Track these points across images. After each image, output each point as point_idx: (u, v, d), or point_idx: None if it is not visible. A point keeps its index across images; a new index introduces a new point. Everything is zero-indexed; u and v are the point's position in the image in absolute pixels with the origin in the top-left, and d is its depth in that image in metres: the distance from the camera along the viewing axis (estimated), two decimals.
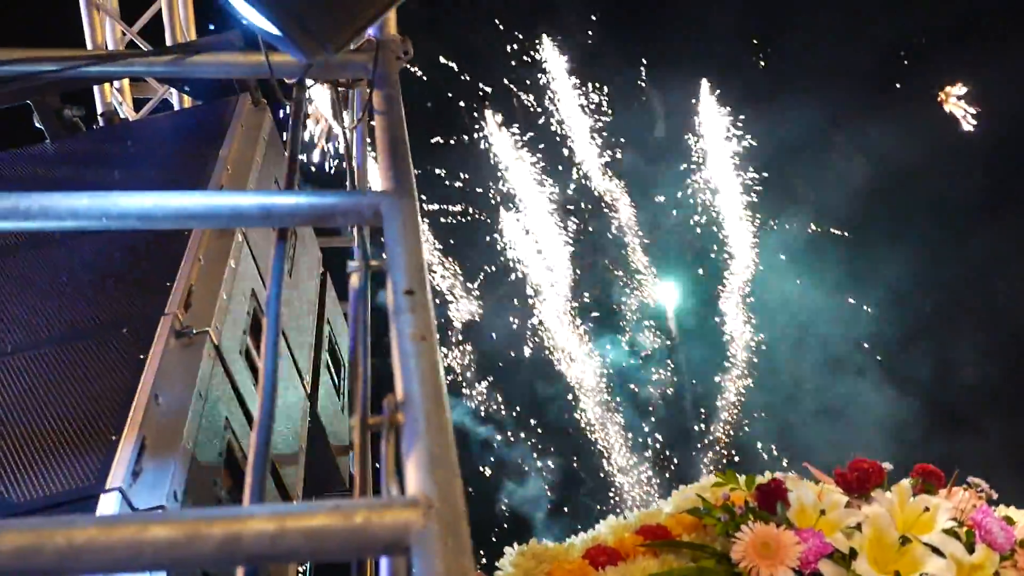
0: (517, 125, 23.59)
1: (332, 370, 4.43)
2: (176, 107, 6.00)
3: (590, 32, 24.02)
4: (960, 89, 22.37)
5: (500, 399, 22.98)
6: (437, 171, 22.66)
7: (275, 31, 1.94)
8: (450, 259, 22.93)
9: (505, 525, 22.02)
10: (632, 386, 23.91)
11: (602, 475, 23.37)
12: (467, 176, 23.15)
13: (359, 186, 3.27)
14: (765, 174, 23.97)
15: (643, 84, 24.28)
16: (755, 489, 2.74)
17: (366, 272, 1.70)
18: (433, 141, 22.48)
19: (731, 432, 23.81)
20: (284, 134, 4.40)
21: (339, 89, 2.91)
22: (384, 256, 1.74)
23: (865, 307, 22.82)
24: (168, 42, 5.87)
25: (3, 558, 1.06)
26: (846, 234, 23.22)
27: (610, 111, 24.03)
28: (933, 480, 2.78)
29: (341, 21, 1.99)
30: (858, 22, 22.74)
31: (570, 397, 23.38)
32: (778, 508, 2.62)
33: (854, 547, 2.48)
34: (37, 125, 4.38)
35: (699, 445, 23.82)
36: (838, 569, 2.43)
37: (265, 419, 1.40)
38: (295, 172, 2.15)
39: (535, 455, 22.93)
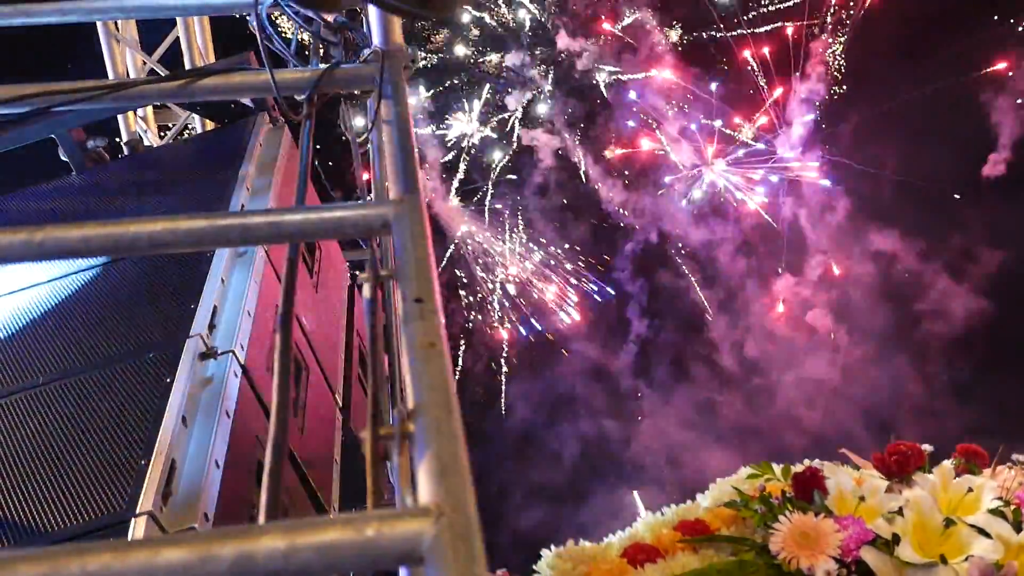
0: None
1: (364, 381, 4.45)
2: (199, 131, 6.07)
3: None
4: None
5: None
6: None
7: None
8: None
9: None
10: None
11: None
12: None
13: (377, 196, 3.28)
14: None
15: None
16: (791, 478, 2.69)
17: (376, 282, 1.70)
18: None
19: None
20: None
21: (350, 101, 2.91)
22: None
23: None
24: (188, 68, 5.95)
25: None
26: None
27: None
28: (976, 459, 2.71)
29: None
30: None
31: None
32: (816, 496, 2.57)
33: (897, 532, 2.42)
34: (62, 158, 4.46)
35: None
36: (881, 556, 2.37)
37: (278, 437, 1.40)
38: (305, 187, 2.16)
39: None
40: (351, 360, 4.14)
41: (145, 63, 6.04)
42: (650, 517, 2.93)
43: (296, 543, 1.11)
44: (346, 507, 3.49)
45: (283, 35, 2.85)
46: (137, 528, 1.97)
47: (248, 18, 2.98)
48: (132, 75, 6.08)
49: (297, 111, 2.65)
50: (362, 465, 4.22)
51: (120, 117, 5.96)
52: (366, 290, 1.81)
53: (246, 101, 4.29)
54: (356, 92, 2.84)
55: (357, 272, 1.67)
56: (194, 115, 5.91)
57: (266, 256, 3.29)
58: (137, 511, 2.02)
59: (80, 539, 2.02)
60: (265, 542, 1.11)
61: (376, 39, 2.75)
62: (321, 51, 3.04)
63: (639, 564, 2.70)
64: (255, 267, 3.16)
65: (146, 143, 5.89)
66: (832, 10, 22.41)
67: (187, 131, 6.55)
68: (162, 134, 6.35)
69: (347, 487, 3.53)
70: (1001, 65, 21.09)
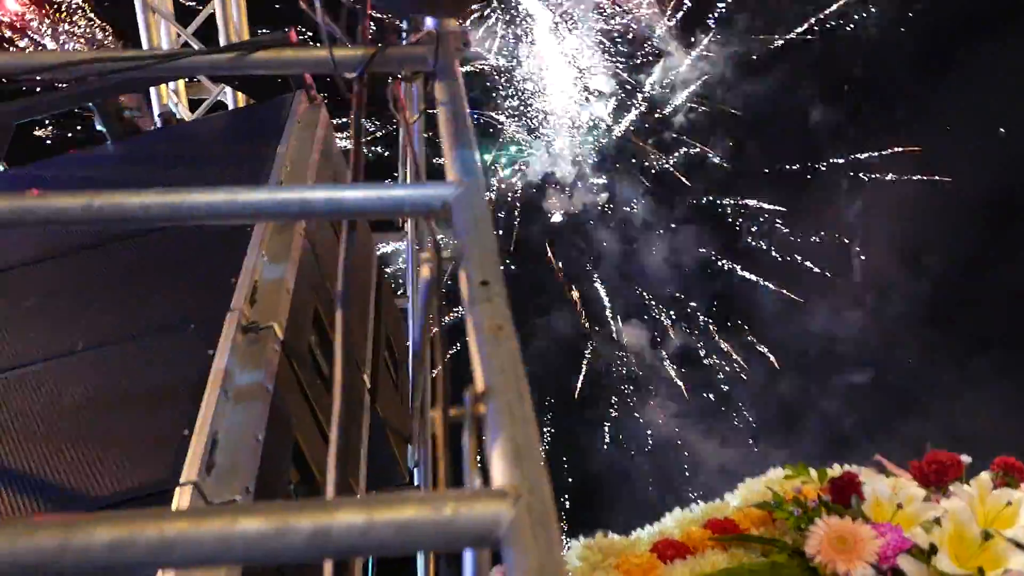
0: None
1: (389, 364, 4.44)
2: (231, 106, 6.07)
3: None
4: None
5: None
6: None
7: None
8: None
9: None
10: None
11: None
12: None
13: (418, 178, 3.27)
14: None
15: None
16: (828, 482, 2.67)
17: (439, 263, 1.68)
18: None
19: None
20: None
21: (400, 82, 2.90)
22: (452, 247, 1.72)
23: None
24: (222, 43, 5.94)
25: (97, 550, 1.06)
26: None
27: None
28: (1014, 473, 2.69)
29: None
30: None
31: None
32: (852, 502, 2.55)
33: (934, 542, 2.40)
34: (99, 127, 4.46)
35: None
36: (918, 565, 2.35)
37: (345, 408, 1.39)
38: (361, 164, 2.14)
39: None
40: (379, 341, 4.13)
41: (180, 35, 6.03)
42: (679, 513, 2.92)
43: (374, 519, 1.09)
44: (369, 489, 3.49)
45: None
46: (182, 498, 1.97)
47: None
48: (166, 47, 6.08)
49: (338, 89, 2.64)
50: (385, 448, 4.20)
51: (152, 90, 5.97)
52: (426, 271, 1.80)
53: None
54: (406, 72, 2.83)
55: (420, 252, 1.66)
56: (227, 89, 5.91)
57: (304, 231, 3.28)
58: (181, 481, 2.02)
59: (122, 507, 2.02)
60: (343, 516, 1.10)
61: (429, 20, 2.74)
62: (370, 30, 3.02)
63: (668, 560, 2.69)
64: (293, 242, 3.15)
65: (178, 116, 5.89)
66: None
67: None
68: (193, 108, 6.35)
69: (370, 469, 3.53)
70: None
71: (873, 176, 23.04)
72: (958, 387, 20.45)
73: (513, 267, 23.60)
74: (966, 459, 2.68)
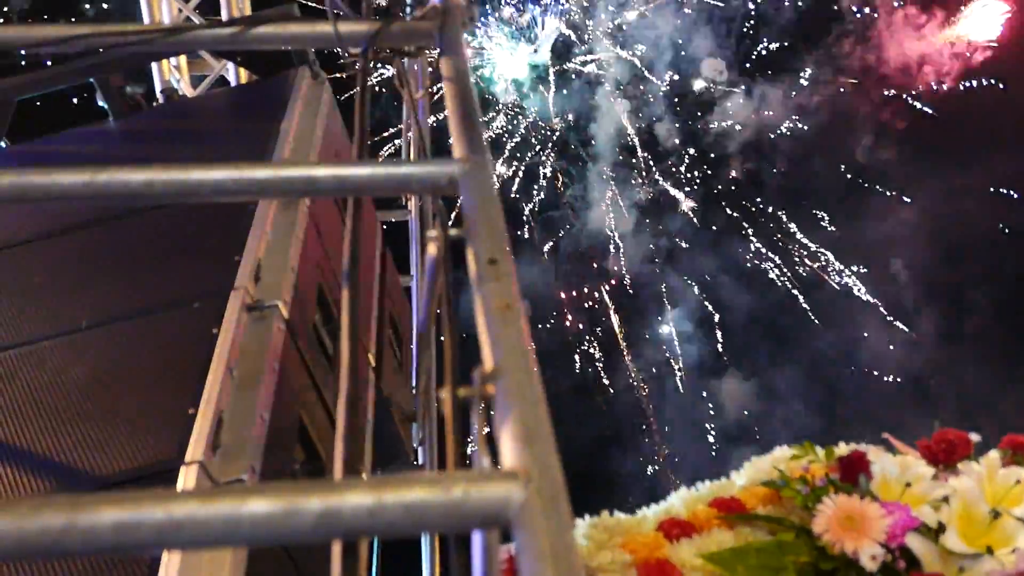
0: None
1: (393, 342, 4.43)
2: (233, 83, 6.02)
3: None
4: None
5: None
6: None
7: None
8: None
9: None
10: None
11: None
12: None
13: (422, 155, 3.24)
14: None
15: None
16: (835, 461, 2.66)
17: (446, 241, 1.66)
18: None
19: None
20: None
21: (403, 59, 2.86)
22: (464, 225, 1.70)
23: None
24: (224, 18, 5.89)
25: (103, 531, 1.04)
26: None
27: None
28: (1023, 451, 2.68)
29: None
30: None
31: None
32: (860, 480, 2.54)
33: (942, 521, 2.39)
34: (100, 103, 4.43)
35: None
36: (927, 543, 2.35)
37: (352, 387, 1.38)
38: (366, 141, 2.11)
39: None
40: (383, 319, 4.12)
41: (181, 10, 5.98)
42: (685, 492, 2.91)
43: (383, 500, 1.08)
44: (375, 467, 3.48)
45: None
46: (188, 477, 1.95)
47: None
48: (166, 22, 6.02)
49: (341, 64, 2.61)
50: (390, 428, 4.19)
51: (155, 65, 5.92)
52: (432, 249, 1.78)
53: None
54: (411, 48, 2.79)
55: (430, 232, 1.64)
56: (229, 65, 5.86)
57: (308, 210, 3.26)
58: (187, 460, 2.01)
59: (128, 485, 2.01)
60: (352, 497, 1.08)
61: None
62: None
63: (674, 539, 2.69)
64: (298, 222, 3.13)
65: (180, 92, 5.84)
66: None
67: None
68: (195, 84, 6.29)
69: (374, 449, 3.52)
70: None
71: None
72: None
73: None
74: (975, 438, 2.66)
